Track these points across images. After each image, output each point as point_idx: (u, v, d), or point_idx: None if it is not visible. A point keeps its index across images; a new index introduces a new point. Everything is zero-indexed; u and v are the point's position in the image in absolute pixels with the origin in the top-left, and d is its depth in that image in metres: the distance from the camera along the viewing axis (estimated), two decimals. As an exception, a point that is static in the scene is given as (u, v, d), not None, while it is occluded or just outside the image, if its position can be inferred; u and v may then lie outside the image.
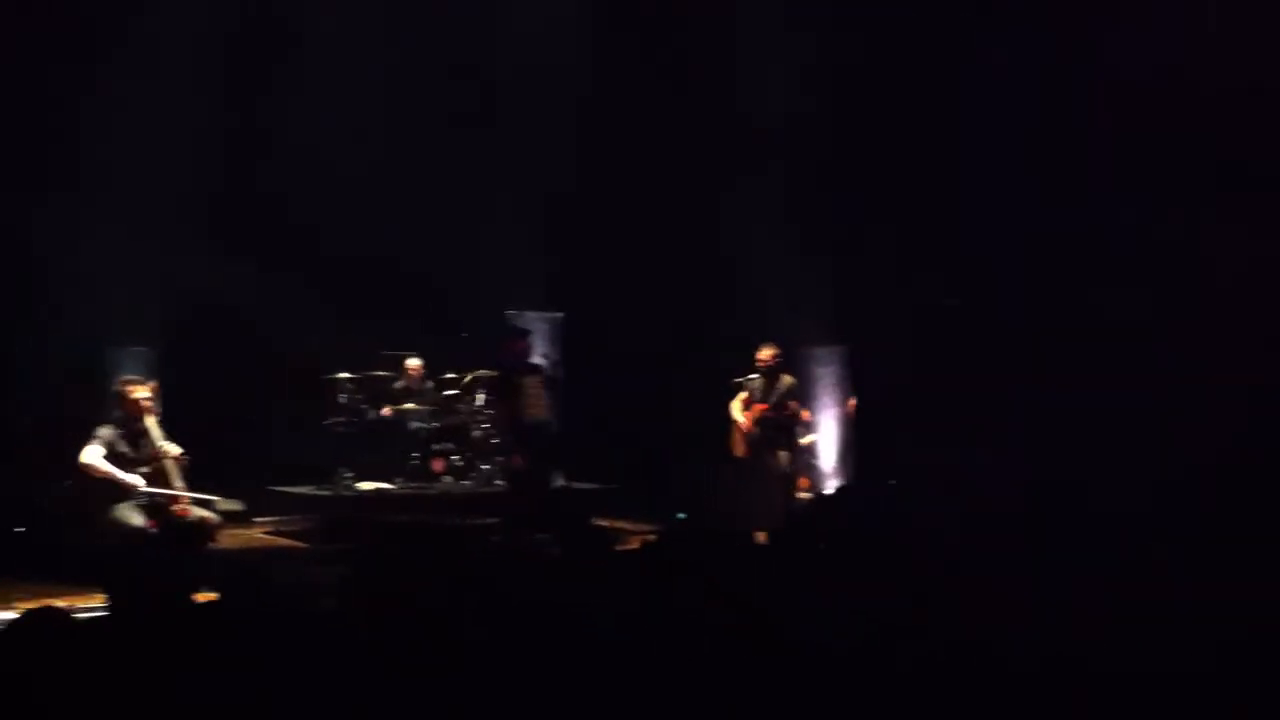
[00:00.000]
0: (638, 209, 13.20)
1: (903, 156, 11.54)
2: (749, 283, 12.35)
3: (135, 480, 8.14)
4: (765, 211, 12.22)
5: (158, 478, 8.27)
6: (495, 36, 13.22)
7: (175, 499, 8.21)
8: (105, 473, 8.15)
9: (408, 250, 13.00)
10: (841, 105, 11.87)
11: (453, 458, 12.11)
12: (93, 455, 8.16)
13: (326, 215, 12.55)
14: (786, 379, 10.59)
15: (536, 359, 10.67)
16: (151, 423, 8.42)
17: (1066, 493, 7.13)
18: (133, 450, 8.31)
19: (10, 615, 7.21)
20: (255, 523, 11.56)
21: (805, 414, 11.75)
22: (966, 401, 10.47)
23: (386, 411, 11.87)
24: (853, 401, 12.41)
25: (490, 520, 10.96)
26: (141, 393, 8.45)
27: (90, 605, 6.77)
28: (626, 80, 13.21)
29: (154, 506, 8.17)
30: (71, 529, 8.89)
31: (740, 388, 10.70)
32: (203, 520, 8.19)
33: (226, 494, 9.93)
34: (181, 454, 8.46)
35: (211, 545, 8.13)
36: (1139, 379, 9.57)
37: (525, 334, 10.75)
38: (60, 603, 7.30)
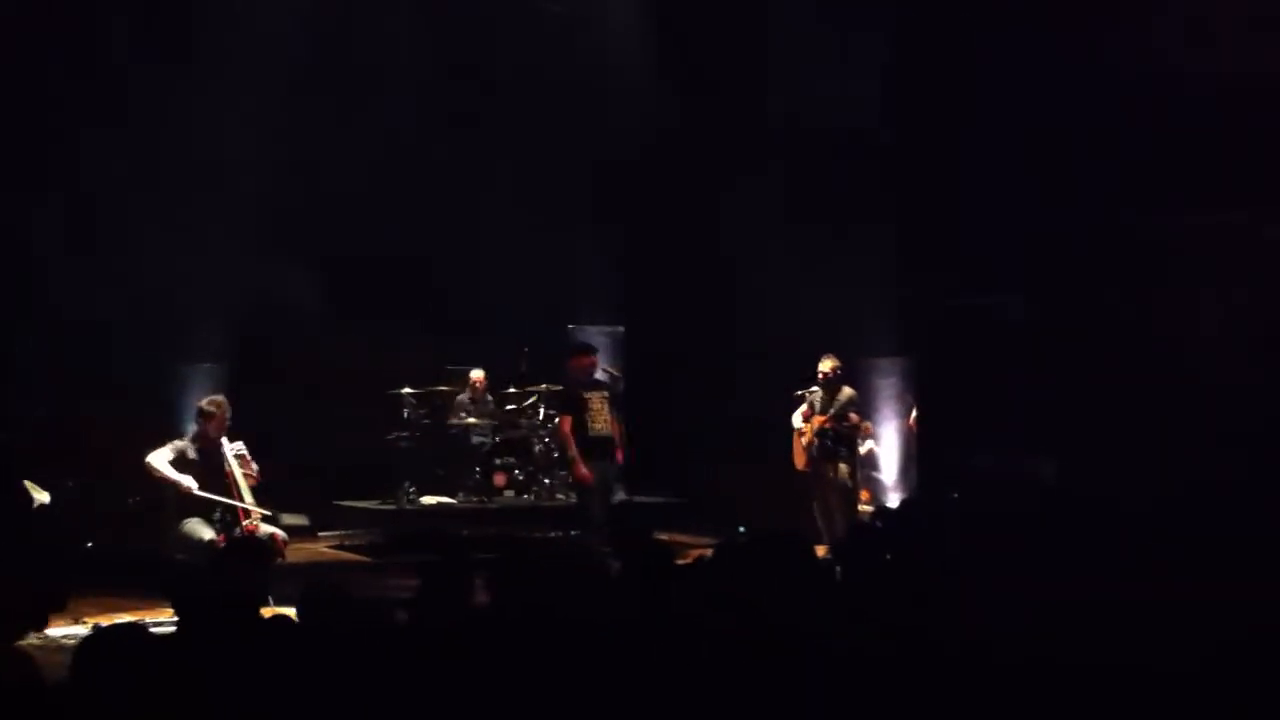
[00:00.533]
0: (693, 220, 13.20)
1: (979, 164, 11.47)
2: (807, 293, 12.32)
3: (188, 482, 8.20)
4: (825, 218, 12.20)
5: (229, 493, 8.34)
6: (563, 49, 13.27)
7: (245, 514, 8.26)
8: (162, 475, 8.22)
9: (454, 261, 13.16)
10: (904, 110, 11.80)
11: (514, 472, 12.20)
12: (158, 458, 8.26)
13: (364, 223, 12.74)
14: (847, 391, 10.53)
15: (600, 374, 10.68)
16: (226, 440, 8.52)
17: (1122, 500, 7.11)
18: (206, 464, 8.39)
19: (79, 630, 7.38)
20: (320, 537, 11.70)
21: (867, 426, 11.69)
22: (1029, 409, 10.42)
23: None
24: (914, 414, 12.35)
25: (552, 534, 11.02)
26: (225, 411, 8.55)
27: (158, 619, 6.90)
28: (681, 92, 13.21)
29: (223, 522, 8.22)
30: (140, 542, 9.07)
31: (800, 400, 10.68)
32: (271, 536, 8.25)
33: (291, 508, 10.07)
34: (250, 463, 8.54)
35: (279, 561, 8.22)
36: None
37: (591, 349, 10.72)
38: (127, 617, 7.48)
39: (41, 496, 8.66)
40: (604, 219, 13.37)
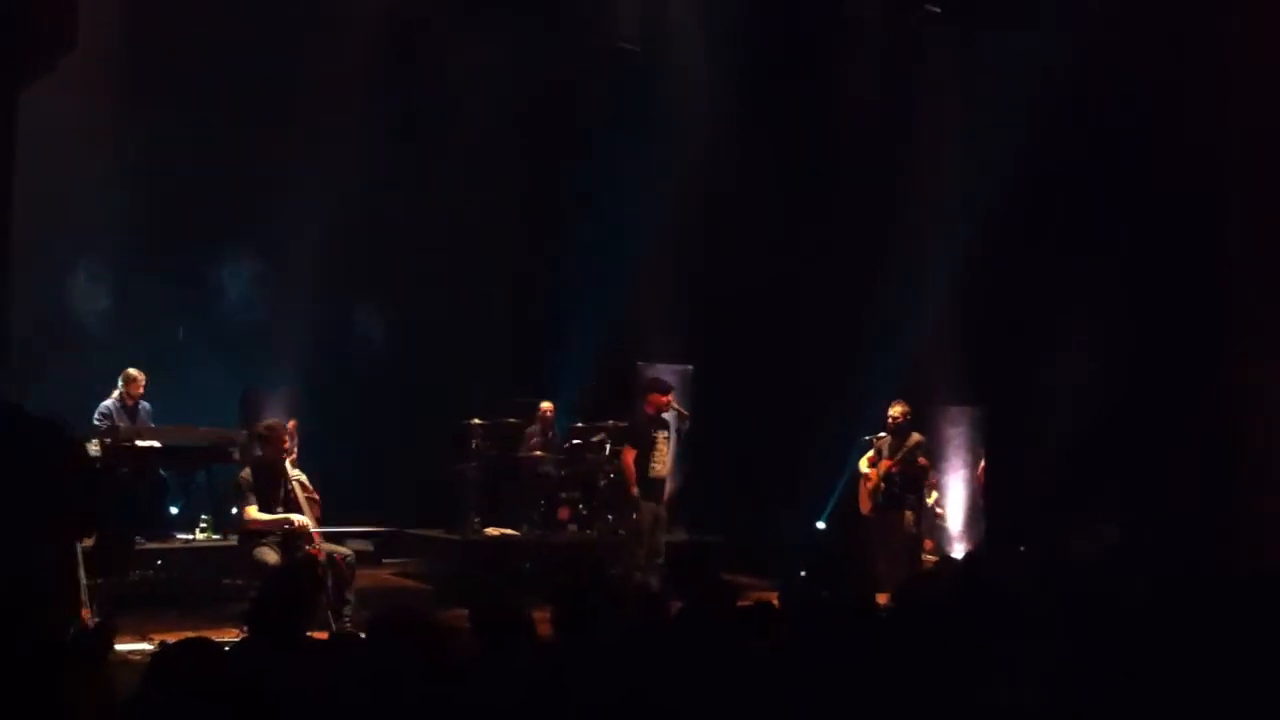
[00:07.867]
0: (769, 265, 13.23)
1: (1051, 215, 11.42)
2: (883, 339, 12.29)
3: (296, 517, 8.24)
4: (895, 266, 12.19)
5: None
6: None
7: (309, 537, 8.25)
8: (267, 522, 8.29)
9: (526, 294, 13.32)
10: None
11: (578, 506, 12.22)
12: (254, 511, 8.33)
13: (436, 255, 12.98)
14: (915, 437, 10.49)
15: (667, 413, 10.66)
16: (289, 463, 8.57)
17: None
18: (267, 488, 8.40)
19: (146, 646, 7.46)
20: (384, 564, 11.76)
21: (933, 477, 11.63)
22: (1104, 471, 10.30)
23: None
24: (983, 464, 12.25)
25: (613, 571, 11.00)
26: (281, 434, 8.61)
27: (225, 640, 6.96)
28: (766, 128, 13.27)
29: (288, 545, 8.17)
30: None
31: (868, 445, 10.65)
32: (333, 557, 8.24)
33: (356, 535, 10.12)
34: (312, 490, 8.54)
35: (350, 584, 8.26)
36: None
37: (669, 388, 10.65)
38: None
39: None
40: (678, 258, 13.41)
